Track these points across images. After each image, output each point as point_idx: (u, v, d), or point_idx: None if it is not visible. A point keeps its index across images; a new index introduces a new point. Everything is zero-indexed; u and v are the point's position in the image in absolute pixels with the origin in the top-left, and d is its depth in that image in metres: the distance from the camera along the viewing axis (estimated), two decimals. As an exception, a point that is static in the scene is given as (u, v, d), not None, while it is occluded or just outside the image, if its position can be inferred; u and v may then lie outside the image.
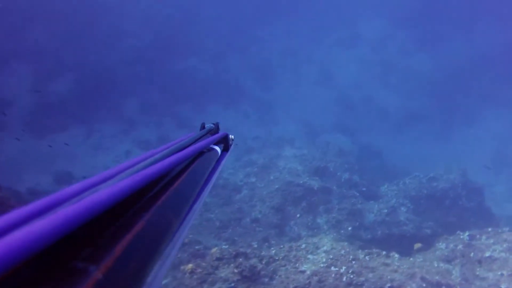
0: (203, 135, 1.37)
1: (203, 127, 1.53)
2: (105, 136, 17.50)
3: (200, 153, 1.11)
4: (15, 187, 12.84)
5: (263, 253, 8.54)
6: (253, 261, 8.04)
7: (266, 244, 10.34)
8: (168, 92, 20.65)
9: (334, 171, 14.43)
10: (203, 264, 8.11)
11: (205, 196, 1.03)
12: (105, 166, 14.68)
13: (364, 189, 13.65)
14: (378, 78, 24.45)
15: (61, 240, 0.45)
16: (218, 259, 8.12)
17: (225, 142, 1.51)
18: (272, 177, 13.82)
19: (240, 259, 7.98)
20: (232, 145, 1.62)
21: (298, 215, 12.14)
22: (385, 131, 21.29)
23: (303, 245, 8.97)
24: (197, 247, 9.54)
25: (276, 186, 13.02)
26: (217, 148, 1.32)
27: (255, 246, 10.13)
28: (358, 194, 13.20)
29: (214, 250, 8.70)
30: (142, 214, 0.63)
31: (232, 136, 1.63)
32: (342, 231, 11.47)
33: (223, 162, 1.35)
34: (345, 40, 27.13)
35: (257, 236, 10.81)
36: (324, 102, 22.55)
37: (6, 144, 15.91)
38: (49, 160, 15.32)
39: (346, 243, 9.47)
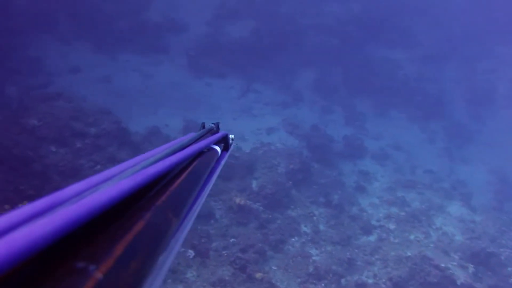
0: (203, 135, 1.33)
1: (203, 126, 1.52)
2: (260, 101, 15.59)
3: (200, 153, 1.11)
4: (137, 120, 12.08)
5: None
6: None
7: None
8: (353, 78, 17.74)
9: (503, 263, 10.47)
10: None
11: (205, 196, 1.01)
12: (241, 136, 12.99)
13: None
14: None
15: (61, 240, 0.45)
16: None
17: (225, 142, 1.50)
18: (412, 237, 10.54)
19: None
20: (232, 145, 1.60)
21: (418, 306, 8.83)
22: None
23: None
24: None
25: (409, 254, 9.75)
26: (217, 148, 1.31)
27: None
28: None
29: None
30: (142, 214, 0.62)
31: (232, 136, 1.60)
32: None
33: (223, 162, 1.34)
34: None
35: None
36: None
37: (162, 68, 15.34)
38: (193, 103, 14.25)
39: None
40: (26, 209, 0.45)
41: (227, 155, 1.46)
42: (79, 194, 0.54)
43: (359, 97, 17.23)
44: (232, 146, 1.59)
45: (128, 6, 16.49)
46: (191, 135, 1.18)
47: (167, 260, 0.67)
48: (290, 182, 11.10)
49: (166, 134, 11.83)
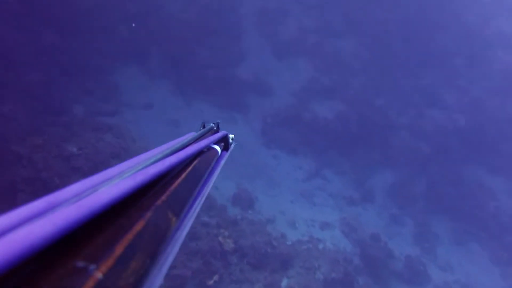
0: (203, 135, 1.34)
1: (203, 126, 1.53)
2: (325, 190, 13.99)
3: (200, 153, 1.11)
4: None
5: None
6: None
7: None
8: (437, 195, 15.50)
9: None
10: None
11: (205, 196, 1.00)
12: (291, 223, 11.69)
13: None
14: None
15: (61, 239, 0.45)
16: None
17: (225, 142, 1.50)
18: None
19: None
20: (232, 145, 1.59)
21: None
22: None
23: None
24: None
25: None
26: (217, 148, 1.31)
27: None
28: None
29: None
30: (142, 214, 0.62)
31: (232, 135, 1.60)
32: None
33: (223, 162, 1.34)
34: None
35: None
36: None
37: (234, 127, 14.52)
38: (253, 172, 13.14)
39: None
40: (26, 209, 0.45)
41: (227, 154, 1.46)
42: (79, 194, 0.53)
43: (438, 217, 15.22)
44: (232, 145, 1.58)
45: (222, 57, 16.26)
46: (191, 134, 1.18)
47: (167, 260, 0.66)
48: (325, 293, 9.55)
49: (213, 197, 10.87)
